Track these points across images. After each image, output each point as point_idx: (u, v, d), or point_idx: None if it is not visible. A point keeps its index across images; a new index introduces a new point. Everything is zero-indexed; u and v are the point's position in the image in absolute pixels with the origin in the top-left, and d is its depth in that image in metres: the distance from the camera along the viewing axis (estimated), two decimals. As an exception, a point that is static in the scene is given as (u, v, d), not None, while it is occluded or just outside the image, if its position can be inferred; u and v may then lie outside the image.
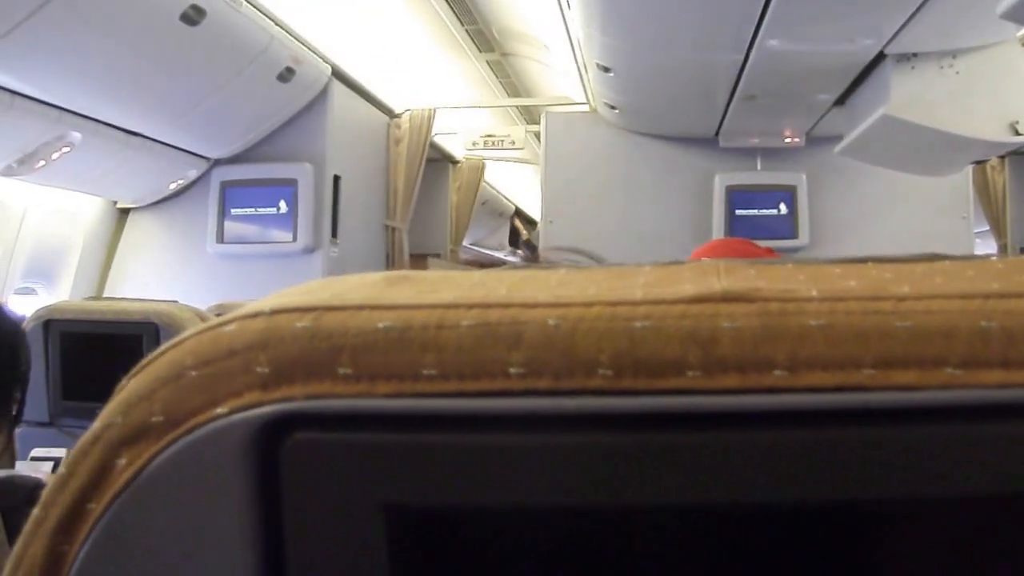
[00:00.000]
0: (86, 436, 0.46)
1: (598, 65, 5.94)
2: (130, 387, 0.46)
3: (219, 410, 0.44)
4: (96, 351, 3.01)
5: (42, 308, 3.10)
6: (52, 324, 3.00)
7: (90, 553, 0.45)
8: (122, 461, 0.45)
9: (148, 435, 0.44)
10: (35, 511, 0.47)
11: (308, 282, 0.50)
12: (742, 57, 5.24)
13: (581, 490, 0.41)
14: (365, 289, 0.47)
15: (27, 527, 0.47)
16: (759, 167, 7.61)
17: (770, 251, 2.25)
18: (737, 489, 0.41)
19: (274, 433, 0.43)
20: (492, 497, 0.42)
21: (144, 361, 0.47)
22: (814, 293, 0.43)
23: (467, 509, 0.43)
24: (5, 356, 2.21)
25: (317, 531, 0.43)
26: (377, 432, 0.42)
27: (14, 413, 2.27)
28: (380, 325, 0.43)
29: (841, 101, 6.18)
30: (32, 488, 2.11)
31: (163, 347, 0.47)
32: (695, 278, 0.46)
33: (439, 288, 0.46)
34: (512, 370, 0.42)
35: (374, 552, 0.42)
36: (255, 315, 0.45)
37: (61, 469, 0.47)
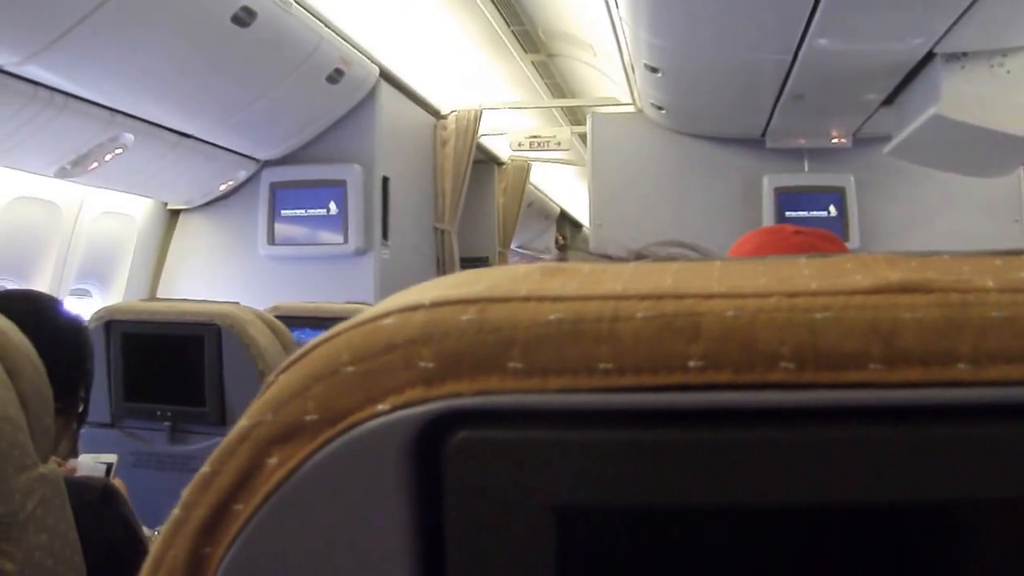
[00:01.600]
0: (232, 434, 0.45)
1: (645, 66, 5.92)
2: (280, 383, 0.45)
3: (379, 407, 0.42)
4: (158, 352, 3.02)
5: (103, 309, 3.10)
6: (113, 325, 3.01)
7: (237, 556, 0.44)
8: (272, 460, 0.43)
9: (301, 434, 0.43)
10: (175, 511, 0.46)
11: (452, 275, 0.48)
12: (791, 56, 5.20)
13: (761, 488, 0.40)
14: (525, 280, 0.45)
15: (167, 528, 0.46)
16: (806, 168, 7.55)
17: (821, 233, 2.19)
18: (920, 486, 0.40)
19: (437, 431, 0.41)
20: (667, 496, 0.40)
21: (294, 356, 0.46)
22: (990, 284, 0.41)
23: (639, 509, 0.41)
24: (71, 355, 2.23)
25: (480, 534, 0.41)
26: (548, 429, 0.41)
27: (80, 411, 2.28)
28: (551, 317, 0.41)
29: (889, 101, 6.12)
30: (103, 489, 2.13)
31: (314, 341, 0.45)
32: (861, 269, 0.44)
33: (600, 279, 0.44)
34: (691, 363, 0.40)
35: (541, 555, 0.41)
36: (414, 308, 0.43)
37: (205, 468, 0.45)
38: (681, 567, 0.41)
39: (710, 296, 0.41)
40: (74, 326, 2.32)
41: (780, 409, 0.40)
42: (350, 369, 0.43)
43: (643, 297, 0.42)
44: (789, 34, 4.83)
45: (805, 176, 7.50)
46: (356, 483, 0.42)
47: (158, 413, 3.00)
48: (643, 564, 0.41)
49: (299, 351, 0.46)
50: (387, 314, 0.44)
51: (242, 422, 0.45)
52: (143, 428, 3.05)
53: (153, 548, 0.46)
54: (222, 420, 2.95)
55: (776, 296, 0.41)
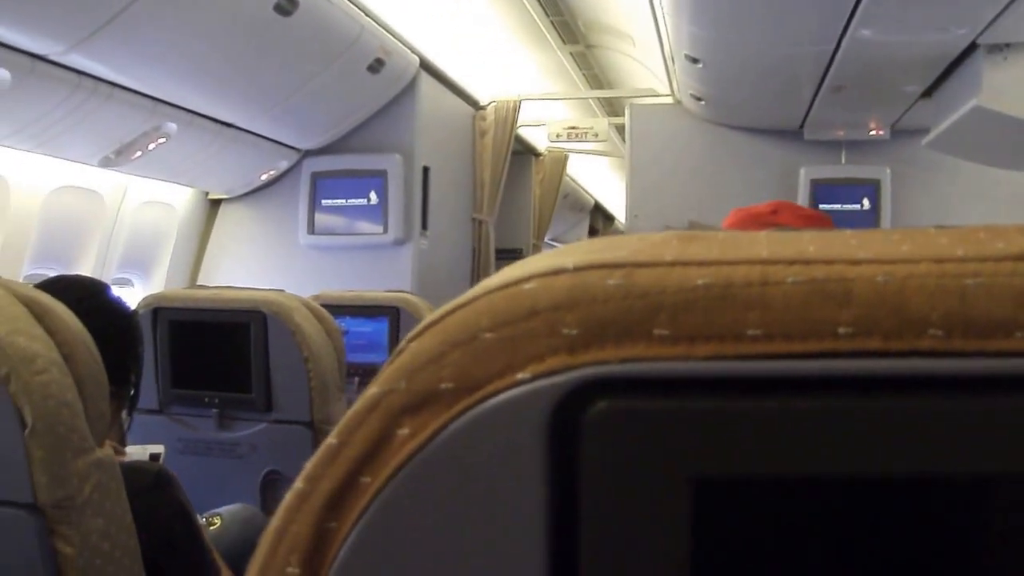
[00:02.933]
0: (360, 403, 0.44)
1: (686, 56, 5.89)
2: (413, 350, 0.43)
3: (520, 375, 0.41)
4: (204, 339, 3.03)
5: (150, 296, 3.12)
6: (161, 312, 3.02)
7: (365, 530, 0.43)
8: (404, 431, 0.42)
9: (436, 402, 0.42)
10: (297, 485, 0.45)
11: (582, 241, 0.47)
12: (832, 47, 5.16)
13: (910, 458, 0.39)
14: (666, 245, 0.43)
15: (288, 502, 0.45)
16: (843, 160, 7.50)
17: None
18: None
19: (577, 401, 0.40)
20: (813, 467, 0.39)
21: (427, 322, 0.44)
22: None
23: (783, 480, 0.40)
24: (123, 340, 2.24)
25: (616, 506, 0.40)
26: (692, 398, 0.40)
27: (131, 393, 2.30)
28: (699, 282, 0.40)
29: (929, 93, 6.07)
30: (157, 473, 2.14)
31: (448, 307, 0.44)
32: (998, 237, 0.42)
33: (740, 245, 0.43)
34: (841, 330, 0.39)
35: (677, 527, 0.40)
36: (556, 271, 0.42)
37: (330, 439, 0.44)
38: (823, 540, 0.40)
39: (857, 262, 0.41)
40: (124, 311, 2.34)
41: (927, 377, 0.39)
42: (489, 335, 0.42)
43: (791, 262, 0.41)
44: (832, 24, 4.79)
45: (841, 168, 7.45)
46: (492, 454, 0.41)
47: (205, 400, 3.01)
48: (783, 536, 0.40)
49: (432, 316, 0.44)
50: (527, 278, 0.42)
51: (371, 390, 0.44)
52: (190, 415, 3.07)
53: (273, 522, 0.46)
54: (268, 406, 2.96)
55: (925, 262, 0.40)
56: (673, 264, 0.41)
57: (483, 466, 0.41)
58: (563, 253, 0.44)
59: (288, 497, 0.45)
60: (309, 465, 0.45)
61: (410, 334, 0.45)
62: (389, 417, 0.43)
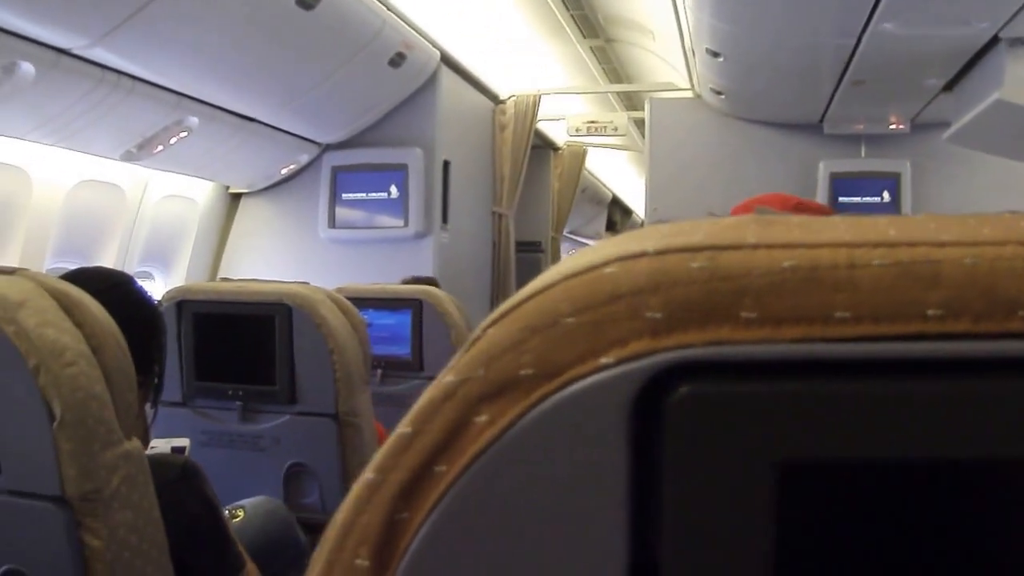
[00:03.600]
0: (434, 391, 0.43)
1: (707, 50, 5.88)
2: (491, 337, 0.43)
3: (603, 360, 0.40)
4: (229, 332, 3.03)
5: (175, 289, 3.12)
6: (185, 305, 3.02)
7: (439, 521, 0.42)
8: (482, 419, 0.41)
9: (515, 389, 0.41)
10: (367, 475, 0.44)
11: (654, 226, 0.45)
12: (854, 41, 5.15)
13: (1000, 440, 0.38)
14: (744, 229, 0.42)
15: (356, 493, 0.45)
16: (863, 154, 7.49)
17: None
18: None
19: (659, 385, 0.39)
20: (900, 450, 0.39)
21: (504, 308, 0.44)
22: None
23: (869, 463, 0.39)
24: (148, 330, 2.25)
25: (699, 491, 0.39)
26: (779, 382, 0.39)
27: (154, 388, 2.30)
28: (786, 264, 0.40)
29: (950, 86, 6.05)
30: (183, 466, 2.14)
31: (525, 293, 0.43)
32: None
33: (819, 228, 0.42)
34: (929, 312, 0.39)
35: (762, 512, 0.39)
36: (637, 255, 0.41)
37: (403, 428, 0.44)
38: (910, 525, 0.40)
39: (942, 244, 0.40)
40: (148, 302, 2.34)
41: (1016, 359, 0.39)
42: (570, 320, 0.41)
43: (876, 244, 0.40)
44: (854, 18, 4.78)
45: (861, 162, 7.46)
46: (574, 441, 0.41)
47: (229, 392, 3.01)
48: (868, 521, 0.40)
49: (508, 303, 0.44)
50: (607, 262, 0.42)
51: (447, 378, 0.43)
52: (214, 407, 3.06)
53: (338, 515, 0.45)
54: (293, 399, 2.95)
55: (1011, 244, 0.40)
56: (756, 247, 0.41)
57: (564, 452, 0.41)
58: (638, 238, 0.43)
59: (356, 488, 0.45)
60: (379, 455, 0.44)
61: (485, 321, 0.44)
62: (466, 405, 0.42)
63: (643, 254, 0.41)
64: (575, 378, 0.40)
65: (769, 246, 0.41)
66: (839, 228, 0.42)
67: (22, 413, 1.68)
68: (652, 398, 0.40)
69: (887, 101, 6.65)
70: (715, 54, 5.88)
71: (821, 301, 0.39)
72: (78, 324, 1.72)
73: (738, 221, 0.44)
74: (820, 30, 5.12)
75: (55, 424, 1.65)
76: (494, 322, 0.43)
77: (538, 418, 0.41)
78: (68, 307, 1.74)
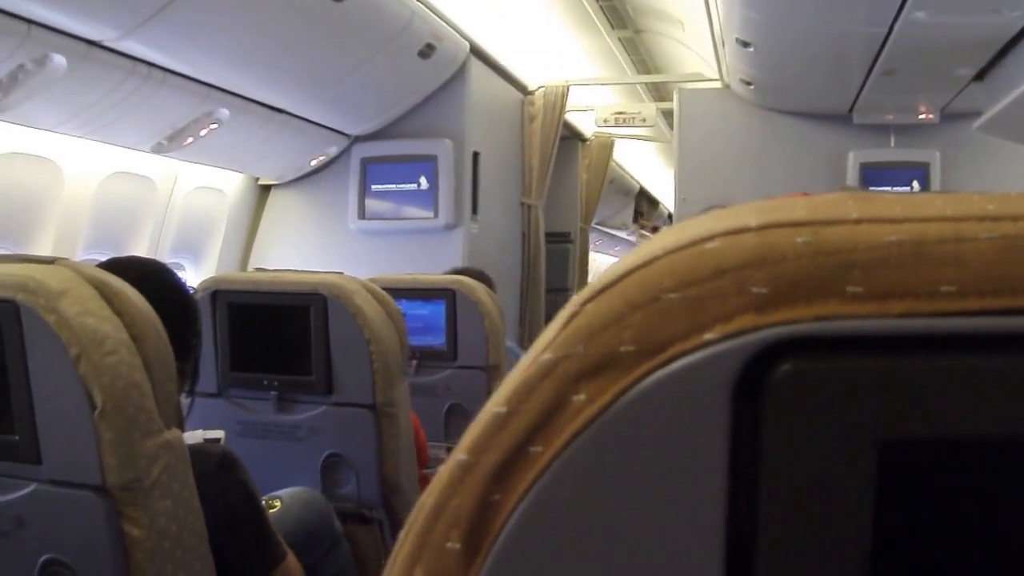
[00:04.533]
0: (531, 370, 0.42)
1: (737, 40, 5.86)
2: (590, 313, 0.41)
3: (707, 336, 0.39)
4: (264, 322, 3.03)
5: (209, 279, 3.11)
6: (220, 295, 3.02)
7: (534, 504, 0.41)
8: (581, 397, 0.40)
9: (616, 366, 0.40)
10: (459, 457, 0.43)
11: (749, 203, 0.44)
12: (885, 30, 5.11)
13: None
14: (841, 205, 0.41)
15: (448, 475, 0.44)
16: (892, 144, 7.46)
17: None
18: None
19: (763, 361, 0.39)
20: (1009, 427, 0.38)
21: (601, 284, 0.42)
22: None
23: (973, 441, 0.38)
24: (184, 318, 2.25)
25: (799, 468, 0.38)
26: (884, 357, 0.38)
27: (191, 377, 2.30)
28: (891, 239, 0.39)
29: (981, 76, 6.02)
30: (222, 455, 2.14)
31: (623, 268, 0.42)
32: None
33: (918, 204, 0.41)
34: None
35: (861, 490, 0.38)
36: (739, 231, 0.40)
37: (497, 408, 0.43)
38: (1012, 505, 0.39)
39: None
40: (185, 291, 2.35)
41: None
42: (673, 296, 0.40)
43: (980, 219, 0.39)
44: (886, 7, 4.75)
45: (890, 152, 7.43)
46: (676, 418, 0.40)
47: (264, 382, 3.01)
48: (969, 500, 0.39)
49: (605, 279, 0.43)
50: (709, 237, 0.41)
51: (543, 356, 0.42)
52: (249, 398, 3.06)
53: (427, 498, 0.44)
54: (329, 389, 2.95)
55: None
56: (859, 222, 0.40)
57: (666, 430, 0.40)
58: (736, 213, 0.42)
59: (447, 470, 0.44)
60: (472, 436, 0.43)
61: (581, 297, 0.43)
62: (565, 383, 0.41)
63: (746, 229, 0.40)
64: (679, 354, 0.40)
65: (872, 220, 0.40)
66: (938, 203, 0.41)
67: (63, 402, 1.68)
68: (756, 374, 0.39)
69: (917, 91, 6.62)
70: (745, 44, 5.86)
71: (927, 275, 0.38)
72: (118, 313, 1.72)
73: (835, 197, 0.43)
74: (852, 19, 5.09)
75: (96, 413, 1.65)
76: (591, 298, 0.42)
77: (640, 395, 0.40)
78: (108, 296, 1.74)
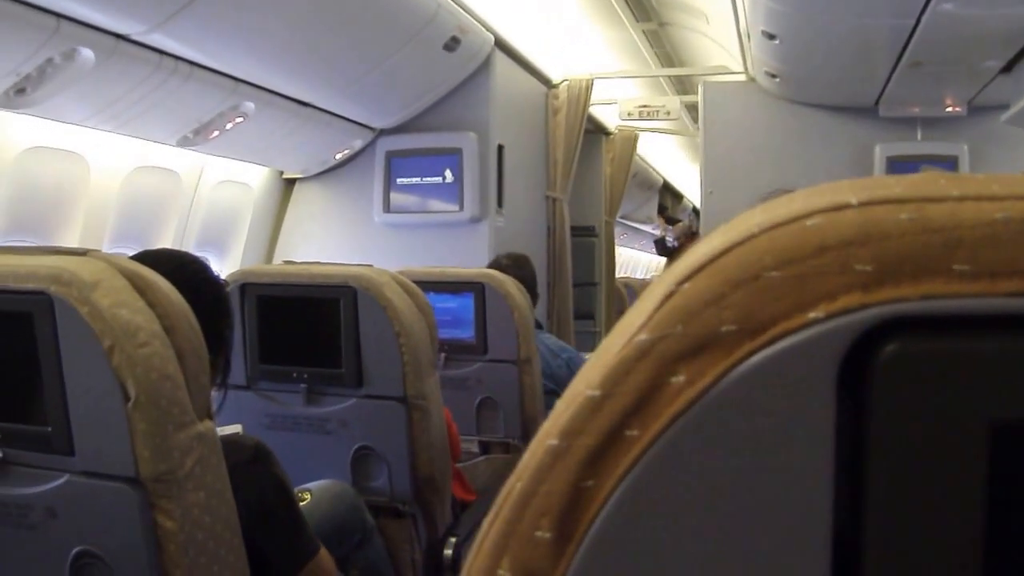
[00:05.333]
0: (627, 351, 0.41)
1: (763, 32, 5.82)
2: (687, 292, 0.40)
3: (811, 315, 0.38)
4: (293, 314, 3.03)
5: (238, 272, 3.12)
6: (248, 288, 3.02)
7: (631, 489, 0.40)
8: (679, 378, 0.39)
9: (716, 346, 0.39)
10: (550, 442, 0.42)
11: (841, 181, 0.43)
12: (913, 21, 5.07)
13: None
14: (936, 183, 0.40)
15: (537, 461, 0.42)
16: (919, 137, 7.42)
17: None
18: None
19: (868, 340, 0.38)
20: None
21: (698, 263, 0.41)
22: None
23: None
24: (218, 310, 2.25)
25: (906, 450, 0.37)
26: (992, 337, 0.37)
27: (224, 365, 2.31)
28: (998, 216, 0.37)
29: (1009, 68, 5.98)
30: (255, 447, 2.14)
31: (720, 246, 0.41)
32: None
33: (1011, 182, 0.40)
34: None
35: (971, 473, 0.37)
36: (840, 207, 0.39)
37: (590, 391, 0.41)
38: None
39: None
40: (218, 284, 2.35)
41: None
42: (775, 274, 0.39)
43: None
44: (913, -1, 4.73)
45: (918, 145, 7.39)
46: (780, 399, 0.39)
47: (294, 375, 3.00)
48: None
49: (701, 257, 0.41)
50: (809, 214, 0.40)
51: (639, 336, 0.41)
52: (279, 390, 3.06)
53: (514, 484, 0.43)
54: (359, 382, 2.94)
55: None
56: (962, 199, 0.39)
57: (770, 412, 0.39)
58: (831, 191, 0.41)
59: (537, 456, 0.42)
60: (563, 420, 0.42)
61: (676, 276, 0.42)
62: (662, 364, 0.40)
63: (846, 206, 0.40)
64: (782, 334, 0.39)
65: (977, 198, 0.39)
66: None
67: (96, 394, 1.69)
68: (861, 354, 0.38)
69: (944, 83, 6.57)
70: (771, 36, 5.83)
71: None
72: (151, 304, 1.72)
73: (928, 175, 0.42)
74: (879, 11, 5.06)
75: (129, 405, 1.65)
76: (687, 277, 0.41)
77: (743, 376, 0.39)
78: (141, 287, 1.74)
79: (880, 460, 0.38)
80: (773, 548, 0.39)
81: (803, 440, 0.39)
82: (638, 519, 0.40)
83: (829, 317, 0.38)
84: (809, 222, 0.40)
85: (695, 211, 15.96)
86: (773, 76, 6.97)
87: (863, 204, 0.39)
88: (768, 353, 0.39)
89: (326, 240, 6.73)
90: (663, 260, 16.48)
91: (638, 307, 0.43)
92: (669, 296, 0.41)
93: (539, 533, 0.42)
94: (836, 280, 0.38)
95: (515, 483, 0.43)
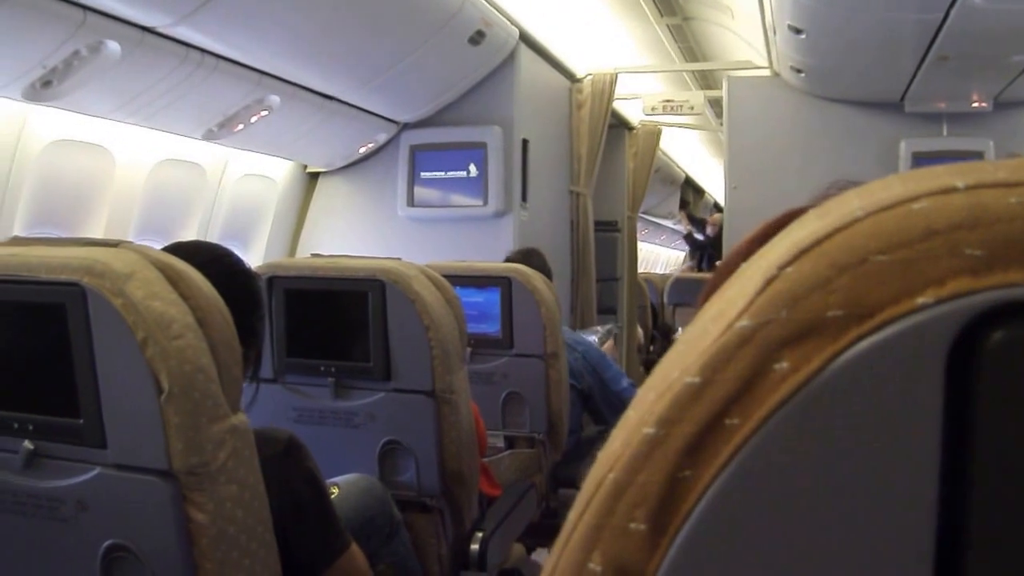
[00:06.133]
0: (728, 337, 0.40)
1: (789, 27, 5.80)
2: (790, 276, 0.39)
3: (919, 300, 0.37)
4: (321, 308, 3.02)
5: (265, 264, 3.11)
6: (276, 281, 3.01)
7: (732, 480, 0.39)
8: (783, 365, 0.38)
9: (822, 332, 0.38)
10: (646, 431, 0.41)
11: (935, 167, 0.41)
12: (941, 16, 5.05)
13: None
14: (1020, 169, 0.39)
15: (632, 450, 0.41)
16: (944, 133, 7.39)
17: None
18: None
19: (976, 326, 0.37)
20: None
21: (799, 247, 0.40)
22: None
23: None
24: (250, 302, 2.24)
25: (1014, 436, 0.36)
26: None
27: (256, 353, 2.30)
28: None
29: (1035, 63, 5.97)
30: (288, 441, 2.13)
31: (821, 230, 0.40)
32: None
33: None
34: None
35: None
36: (947, 190, 0.38)
37: (689, 378, 0.40)
38: None
39: None
40: (250, 276, 2.34)
41: None
42: (882, 258, 0.38)
43: None
44: (942, -7, 4.70)
45: (943, 140, 7.36)
46: (888, 387, 0.37)
47: (322, 369, 2.99)
48: None
49: (801, 241, 0.40)
50: (914, 198, 0.39)
51: (741, 322, 0.40)
52: (306, 384, 3.05)
53: (604, 473, 0.42)
54: (387, 375, 2.93)
55: None
56: None
57: (877, 400, 0.37)
58: (932, 175, 0.40)
59: (631, 445, 0.41)
60: (660, 408, 0.41)
61: (777, 260, 0.40)
62: (765, 350, 0.39)
63: (953, 189, 0.38)
64: (890, 319, 0.37)
65: None
66: None
67: (129, 386, 1.68)
68: (968, 340, 0.37)
69: (970, 78, 6.56)
70: (797, 31, 5.80)
71: None
72: (184, 296, 1.72)
73: (994, 164, 0.41)
74: (907, 5, 5.04)
75: (162, 397, 1.64)
76: (790, 261, 0.40)
77: (849, 362, 0.38)
78: (173, 279, 1.73)
79: (987, 447, 0.37)
80: (878, 536, 0.38)
81: (910, 427, 0.38)
82: (738, 510, 0.39)
83: (938, 302, 0.37)
84: (916, 206, 0.38)
85: (716, 206, 15.97)
86: (798, 71, 6.94)
87: (970, 188, 0.38)
88: (875, 339, 0.37)
89: (349, 234, 6.72)
90: (681, 256, 16.52)
91: (739, 291, 0.41)
92: (771, 280, 0.40)
93: (633, 525, 0.41)
94: (945, 265, 0.37)
95: (606, 473, 0.42)
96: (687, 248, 15.09)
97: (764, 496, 0.39)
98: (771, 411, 0.38)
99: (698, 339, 0.42)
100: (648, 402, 0.42)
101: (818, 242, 0.40)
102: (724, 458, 0.39)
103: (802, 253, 0.40)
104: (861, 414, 0.38)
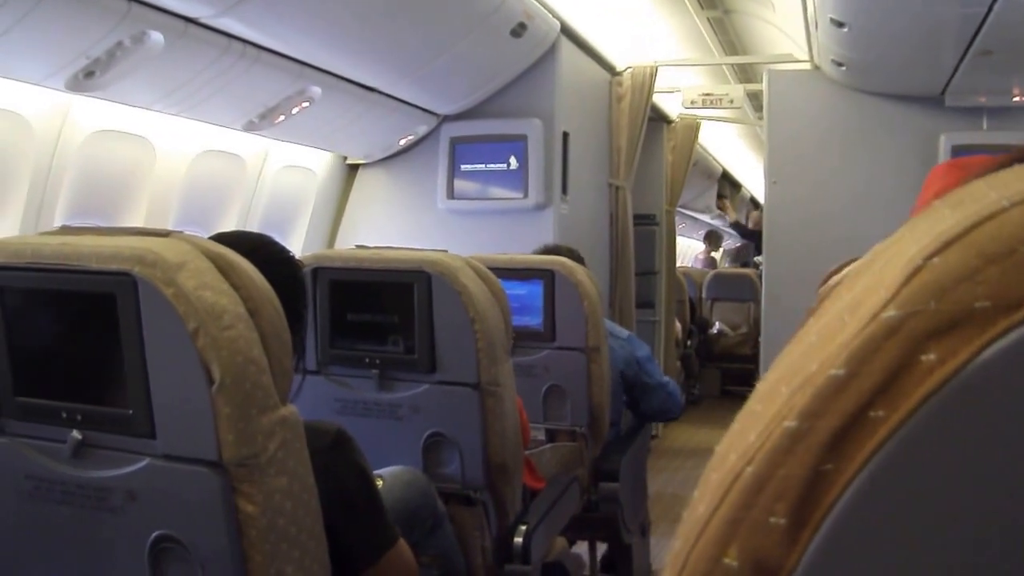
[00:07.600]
0: (873, 328, 0.39)
1: (832, 20, 5.75)
2: (936, 267, 0.38)
3: None
4: (366, 299, 3.02)
5: (310, 255, 3.11)
6: (321, 272, 3.01)
7: (877, 474, 0.37)
8: (930, 357, 0.37)
9: (970, 323, 0.37)
10: (788, 424, 0.40)
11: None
12: (984, 9, 4.99)
13: None
14: None
15: (773, 443, 0.40)
16: (984, 127, 7.32)
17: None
18: None
19: None
20: None
21: (945, 237, 0.39)
22: None
23: None
24: (296, 292, 2.24)
25: None
26: None
27: (300, 342, 2.29)
28: None
29: (1078, 58, 5.90)
30: (336, 433, 2.12)
31: (968, 220, 0.39)
32: None
33: None
34: None
35: None
36: None
37: (834, 370, 0.39)
38: None
39: None
40: (294, 264, 2.34)
41: None
42: None
43: None
44: (987, -14, 4.65)
45: (983, 134, 7.28)
46: None
47: (366, 360, 2.99)
48: None
49: (948, 231, 0.39)
50: None
51: (886, 313, 0.39)
52: (350, 375, 3.05)
53: (742, 467, 0.41)
54: (432, 367, 2.93)
55: None
56: None
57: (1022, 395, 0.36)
58: None
59: (772, 438, 0.40)
60: (803, 401, 0.40)
61: (923, 251, 0.39)
62: (912, 342, 0.38)
63: None
64: None
65: None
66: None
67: (180, 377, 1.68)
68: None
69: (1013, 72, 6.49)
70: (840, 24, 5.75)
71: None
72: (235, 287, 1.72)
73: None
74: (951, -1, 4.99)
75: (214, 388, 1.64)
76: (937, 251, 0.39)
77: (998, 355, 0.36)
78: (225, 269, 1.73)
79: None
80: None
81: None
82: (882, 503, 0.38)
83: None
84: None
85: (753, 201, 15.92)
86: (839, 64, 6.89)
87: None
88: (1022, 332, 0.37)
89: (388, 226, 6.72)
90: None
91: (880, 281, 0.40)
92: (917, 271, 0.39)
93: (773, 519, 0.40)
94: None
95: (743, 467, 0.41)
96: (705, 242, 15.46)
97: (909, 489, 0.38)
98: (918, 404, 0.37)
99: (835, 331, 0.41)
100: (784, 396, 0.41)
101: (965, 232, 0.39)
102: (868, 451, 0.38)
103: (948, 243, 0.39)
104: (1010, 405, 0.37)
